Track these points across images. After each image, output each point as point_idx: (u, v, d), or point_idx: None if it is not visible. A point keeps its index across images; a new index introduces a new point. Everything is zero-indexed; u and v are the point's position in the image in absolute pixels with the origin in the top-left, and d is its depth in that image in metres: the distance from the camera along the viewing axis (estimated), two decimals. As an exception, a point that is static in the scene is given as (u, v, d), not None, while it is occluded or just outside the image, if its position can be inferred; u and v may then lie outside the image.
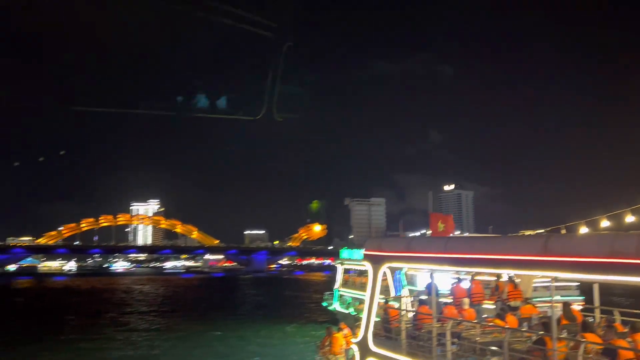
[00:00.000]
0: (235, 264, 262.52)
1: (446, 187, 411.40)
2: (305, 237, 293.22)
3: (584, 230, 28.49)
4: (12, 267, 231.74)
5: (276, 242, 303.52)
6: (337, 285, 43.00)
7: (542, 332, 10.83)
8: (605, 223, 29.56)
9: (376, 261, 14.37)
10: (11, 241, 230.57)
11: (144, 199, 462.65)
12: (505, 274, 15.60)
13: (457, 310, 14.23)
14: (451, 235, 19.01)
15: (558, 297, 25.06)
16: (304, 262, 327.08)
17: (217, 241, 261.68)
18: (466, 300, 14.20)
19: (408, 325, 13.73)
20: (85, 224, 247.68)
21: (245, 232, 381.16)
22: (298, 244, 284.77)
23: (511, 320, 12.68)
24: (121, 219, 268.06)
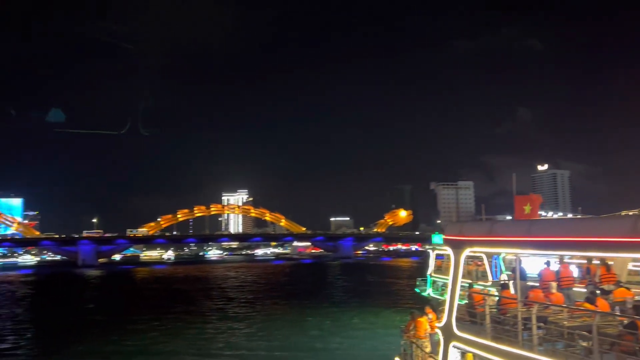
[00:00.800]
0: (322, 250, 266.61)
1: (540, 167, 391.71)
2: (390, 223, 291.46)
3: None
4: (117, 257, 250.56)
5: (362, 229, 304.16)
6: (430, 270, 42.74)
7: (636, 316, 10.38)
8: None
9: (457, 246, 14.31)
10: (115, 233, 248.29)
11: (233, 189, 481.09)
12: (597, 256, 14.96)
13: (544, 294, 13.87)
14: (539, 218, 18.39)
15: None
16: (391, 248, 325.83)
17: (304, 228, 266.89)
18: (554, 284, 13.79)
19: (492, 310, 13.59)
20: (180, 215, 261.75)
21: (331, 219, 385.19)
22: (384, 230, 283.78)
23: (602, 304, 12.21)
24: (214, 209, 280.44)
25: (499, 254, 27.80)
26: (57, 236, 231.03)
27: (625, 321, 10.63)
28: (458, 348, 14.56)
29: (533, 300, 12.63)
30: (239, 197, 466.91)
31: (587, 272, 15.83)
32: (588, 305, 12.08)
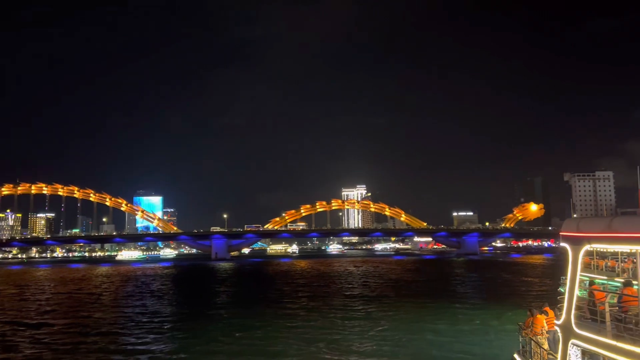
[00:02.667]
0: (444, 246, 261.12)
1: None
2: (519, 217, 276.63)
3: None
4: (246, 250, 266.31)
5: (487, 224, 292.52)
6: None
7: None
8: None
9: (575, 242, 14.09)
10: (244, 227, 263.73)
11: (352, 185, 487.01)
12: None
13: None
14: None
15: None
16: (520, 244, 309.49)
17: (425, 224, 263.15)
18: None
19: (613, 308, 13.27)
20: (304, 210, 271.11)
21: (454, 214, 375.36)
22: (512, 224, 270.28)
23: None
24: (334, 204, 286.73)
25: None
26: (194, 231, 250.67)
27: None
28: (578, 346, 14.34)
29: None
30: (357, 193, 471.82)
31: None
32: None
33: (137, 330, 44.14)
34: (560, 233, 14.71)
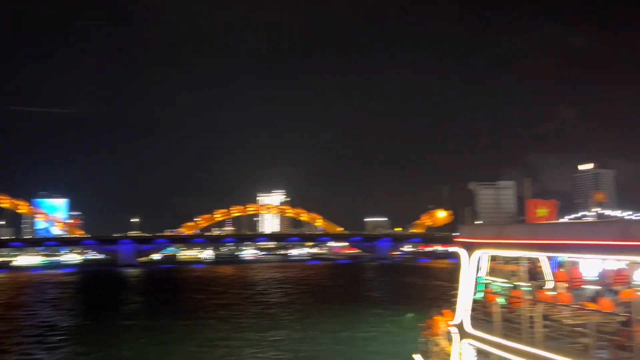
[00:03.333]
0: (359, 251, 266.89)
1: (581, 167, 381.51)
2: (429, 223, 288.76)
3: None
4: (156, 256, 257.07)
5: (398, 229, 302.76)
6: (481, 273, 43.01)
7: (627, 314, 10.98)
8: None
9: (468, 248, 15.08)
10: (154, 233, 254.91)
11: (269, 189, 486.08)
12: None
13: (557, 294, 14.50)
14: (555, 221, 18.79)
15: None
16: (428, 249, 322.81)
17: (341, 229, 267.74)
18: (561, 285, 14.41)
19: (503, 309, 14.31)
20: (218, 215, 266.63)
21: (367, 220, 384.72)
22: (422, 230, 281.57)
23: (605, 303, 12.79)
24: (250, 208, 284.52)
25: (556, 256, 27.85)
26: (99, 236, 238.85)
27: (623, 319, 11.24)
28: (471, 345, 15.31)
29: (539, 300, 13.31)
30: (275, 198, 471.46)
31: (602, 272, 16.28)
32: (590, 304, 12.69)
33: (31, 345, 41.25)
34: (455, 239, 15.69)
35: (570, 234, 11.65)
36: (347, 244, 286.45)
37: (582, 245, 10.95)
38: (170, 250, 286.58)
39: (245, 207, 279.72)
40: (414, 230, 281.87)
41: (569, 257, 16.36)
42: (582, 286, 16.47)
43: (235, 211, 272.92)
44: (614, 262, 16.33)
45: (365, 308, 57.10)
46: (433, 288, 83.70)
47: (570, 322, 12.28)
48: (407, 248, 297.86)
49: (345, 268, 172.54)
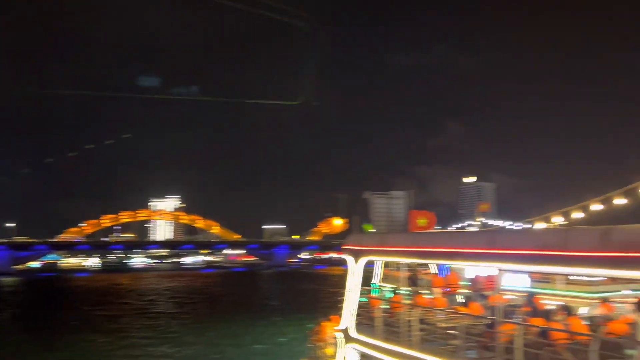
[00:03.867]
0: (256, 258, 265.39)
1: (465, 180, 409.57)
2: (326, 231, 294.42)
3: (558, 219, 28.82)
4: (35, 264, 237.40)
5: (296, 237, 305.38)
6: (376, 279, 44.23)
7: (492, 317, 11.96)
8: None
9: (355, 255, 15.63)
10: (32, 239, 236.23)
11: (163, 195, 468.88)
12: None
13: (433, 298, 15.43)
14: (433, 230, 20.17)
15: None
16: (324, 256, 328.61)
17: (239, 236, 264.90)
18: (437, 290, 15.38)
19: (385, 314, 14.97)
20: (106, 220, 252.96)
21: (264, 227, 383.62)
22: (319, 237, 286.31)
23: (475, 307, 13.83)
24: (141, 214, 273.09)
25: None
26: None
27: (488, 322, 12.24)
28: (355, 349, 15.84)
29: (416, 305, 14.11)
30: (169, 204, 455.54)
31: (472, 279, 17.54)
32: (461, 309, 13.68)
33: None
34: (343, 247, 16.21)
35: (444, 243, 12.50)
36: (244, 251, 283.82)
37: (455, 253, 11.79)
38: (51, 257, 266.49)
39: (136, 213, 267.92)
40: (312, 238, 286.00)
41: (452, 265, 17.50)
42: (458, 291, 17.71)
43: (125, 217, 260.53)
44: (486, 269, 17.75)
45: (260, 317, 56.88)
46: (327, 294, 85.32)
47: (443, 325, 13.16)
48: (305, 255, 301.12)
49: (241, 276, 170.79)
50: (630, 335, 9.92)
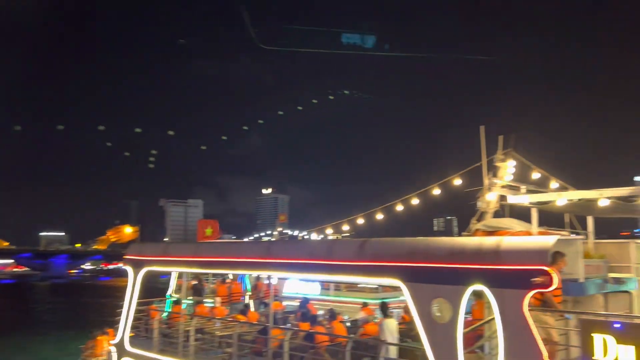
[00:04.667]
0: (27, 269, 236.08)
1: (264, 191, 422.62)
2: (114, 239, 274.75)
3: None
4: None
5: (78, 245, 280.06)
6: (170, 291, 42.19)
7: (264, 324, 12.60)
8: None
9: (136, 265, 15.04)
10: None
11: None
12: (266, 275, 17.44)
13: (212, 308, 15.58)
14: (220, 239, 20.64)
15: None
16: (111, 266, 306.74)
17: (7, 243, 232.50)
18: (218, 299, 15.62)
19: (162, 325, 14.66)
20: None
21: (42, 234, 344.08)
22: (105, 247, 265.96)
23: (252, 315, 14.39)
24: None
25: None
26: None
27: (260, 328, 12.84)
28: (131, 363, 15.17)
29: (196, 314, 14.13)
30: None
31: (255, 287, 18.22)
32: (239, 317, 14.10)
33: None
34: (125, 257, 15.48)
35: (225, 252, 12.80)
36: (11, 261, 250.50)
37: (235, 262, 12.17)
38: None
39: None
40: (97, 247, 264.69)
41: (236, 273, 17.87)
42: (241, 299, 18.20)
43: None
44: (268, 277, 18.57)
45: (32, 334, 50.90)
46: (109, 308, 79.73)
47: (220, 333, 13.40)
48: (88, 266, 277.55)
49: (8, 289, 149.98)
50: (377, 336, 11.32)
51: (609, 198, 9.19)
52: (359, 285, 23.71)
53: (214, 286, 20.22)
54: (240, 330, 12.61)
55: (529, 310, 7.69)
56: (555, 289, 8.65)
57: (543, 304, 8.61)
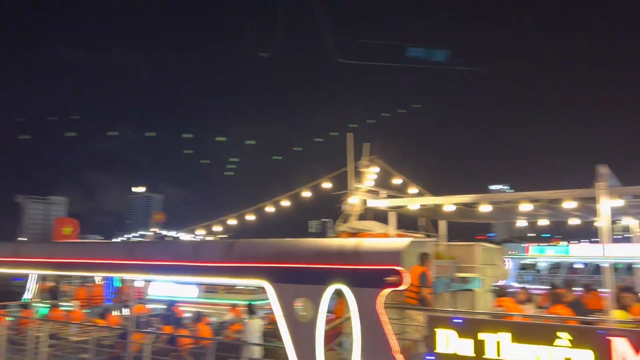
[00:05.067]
0: None
1: (134, 189, 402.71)
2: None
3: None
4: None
5: None
6: (29, 294, 38.13)
7: (124, 327, 12.10)
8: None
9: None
10: None
11: None
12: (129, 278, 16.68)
13: (69, 312, 14.60)
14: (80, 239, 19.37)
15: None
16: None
17: None
18: (76, 303, 14.71)
19: (10, 332, 13.45)
20: None
21: None
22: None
23: (112, 319, 13.72)
24: None
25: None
26: None
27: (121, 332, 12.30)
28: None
29: (50, 319, 13.15)
30: None
31: (115, 291, 17.40)
32: (99, 321, 13.38)
33: None
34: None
35: (85, 253, 12.07)
36: None
37: (95, 264, 11.52)
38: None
39: None
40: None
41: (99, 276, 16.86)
42: (105, 302, 17.26)
43: None
44: (133, 280, 17.80)
45: None
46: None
47: (76, 338, 12.59)
48: None
49: None
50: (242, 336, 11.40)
51: (455, 204, 10.14)
52: (236, 287, 23.53)
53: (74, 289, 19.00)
54: (98, 334, 11.95)
55: (398, 308, 8.21)
56: (428, 287, 9.49)
57: (420, 302, 9.35)
